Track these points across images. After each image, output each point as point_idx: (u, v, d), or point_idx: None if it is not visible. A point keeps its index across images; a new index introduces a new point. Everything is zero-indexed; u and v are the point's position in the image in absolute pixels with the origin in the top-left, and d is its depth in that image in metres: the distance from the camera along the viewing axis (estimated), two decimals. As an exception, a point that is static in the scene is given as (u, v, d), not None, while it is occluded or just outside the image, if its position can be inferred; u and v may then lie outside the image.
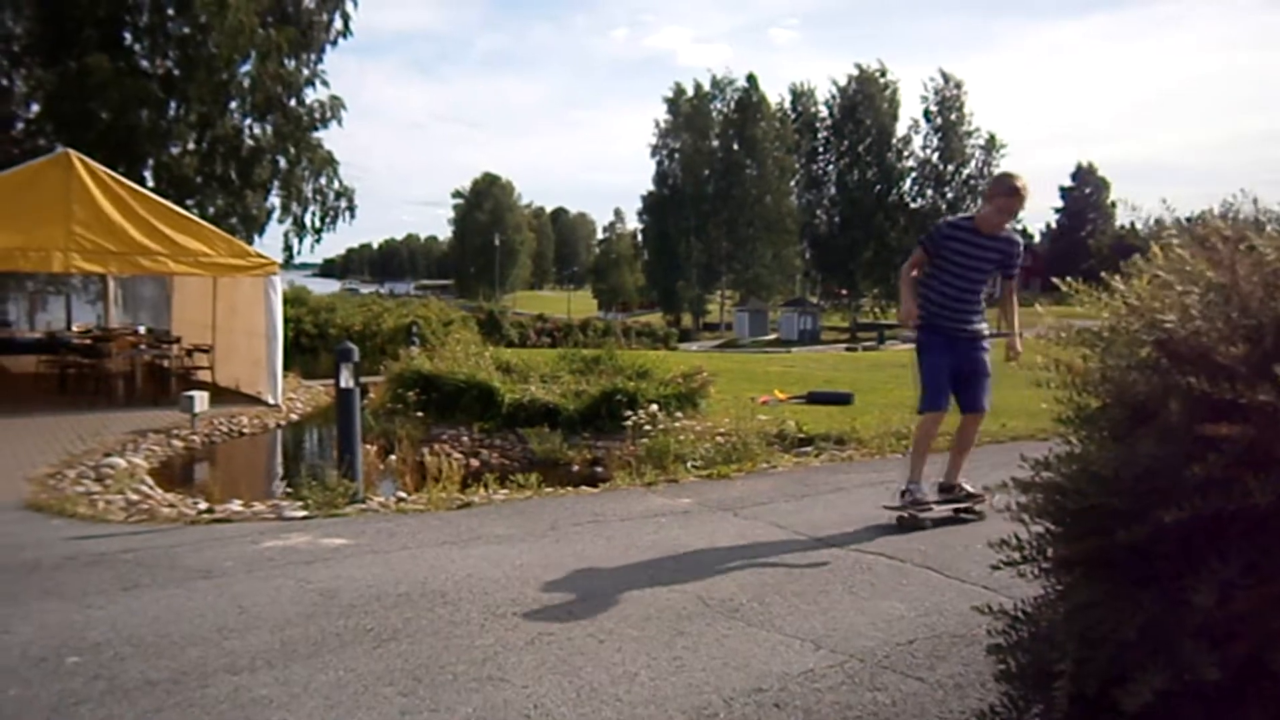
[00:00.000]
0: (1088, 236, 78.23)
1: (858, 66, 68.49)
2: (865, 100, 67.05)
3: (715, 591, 4.58)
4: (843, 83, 68.65)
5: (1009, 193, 5.70)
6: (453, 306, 38.23)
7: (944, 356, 5.82)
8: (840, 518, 6.22)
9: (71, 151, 13.00)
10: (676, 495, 7.17)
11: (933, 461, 6.04)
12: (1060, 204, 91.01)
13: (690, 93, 70.03)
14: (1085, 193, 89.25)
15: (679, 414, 11.23)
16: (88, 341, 16.31)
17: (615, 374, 13.55)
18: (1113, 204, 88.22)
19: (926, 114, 67.51)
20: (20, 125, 26.11)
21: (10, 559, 5.39)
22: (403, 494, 7.73)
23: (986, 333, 5.98)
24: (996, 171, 6.90)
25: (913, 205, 67.72)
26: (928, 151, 67.82)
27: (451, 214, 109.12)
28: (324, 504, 6.68)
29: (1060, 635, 2.16)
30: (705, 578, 4.81)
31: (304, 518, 6.43)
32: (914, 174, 68.32)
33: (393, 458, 9.87)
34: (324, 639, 3.92)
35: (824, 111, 69.92)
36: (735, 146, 68.06)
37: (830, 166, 69.62)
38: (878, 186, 66.67)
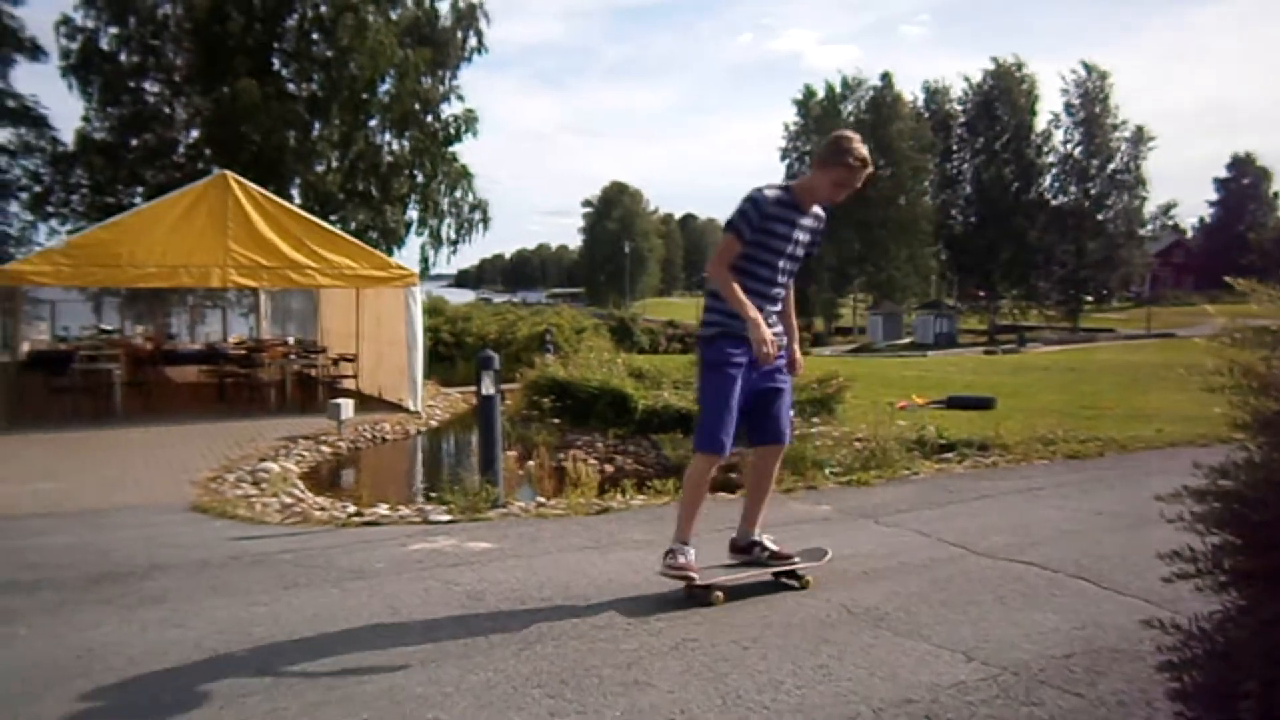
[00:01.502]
0: (1247, 230, 73.90)
1: (994, 60, 66.44)
2: (1002, 95, 64.86)
3: (859, 600, 4.49)
4: (977, 78, 66.76)
5: (857, 165, 4.37)
6: (584, 314, 38.72)
7: (740, 378, 4.45)
8: (987, 525, 6.04)
9: (228, 173, 13.71)
10: (815, 502, 7.08)
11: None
12: (1215, 196, 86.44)
13: (821, 94, 69.28)
14: (1243, 184, 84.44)
15: (815, 419, 11.10)
16: (243, 352, 17.20)
17: (748, 379, 13.46)
18: (1275, 195, 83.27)
19: (1067, 107, 64.91)
20: (181, 150, 27.78)
21: (181, 558, 5.70)
22: (542, 499, 7.86)
23: (785, 340, 4.68)
24: (834, 139, 4.39)
25: (1054, 202, 65.24)
26: (1069, 146, 65.13)
27: (581, 223, 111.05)
28: (467, 508, 6.85)
29: (1244, 653, 2.04)
30: (848, 586, 4.73)
31: (448, 521, 6.60)
32: (1054, 170, 65.80)
33: (531, 463, 10.05)
34: (473, 640, 4.01)
35: (958, 108, 68.05)
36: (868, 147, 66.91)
37: (966, 165, 67.68)
38: (1016, 184, 64.38)
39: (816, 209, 4.58)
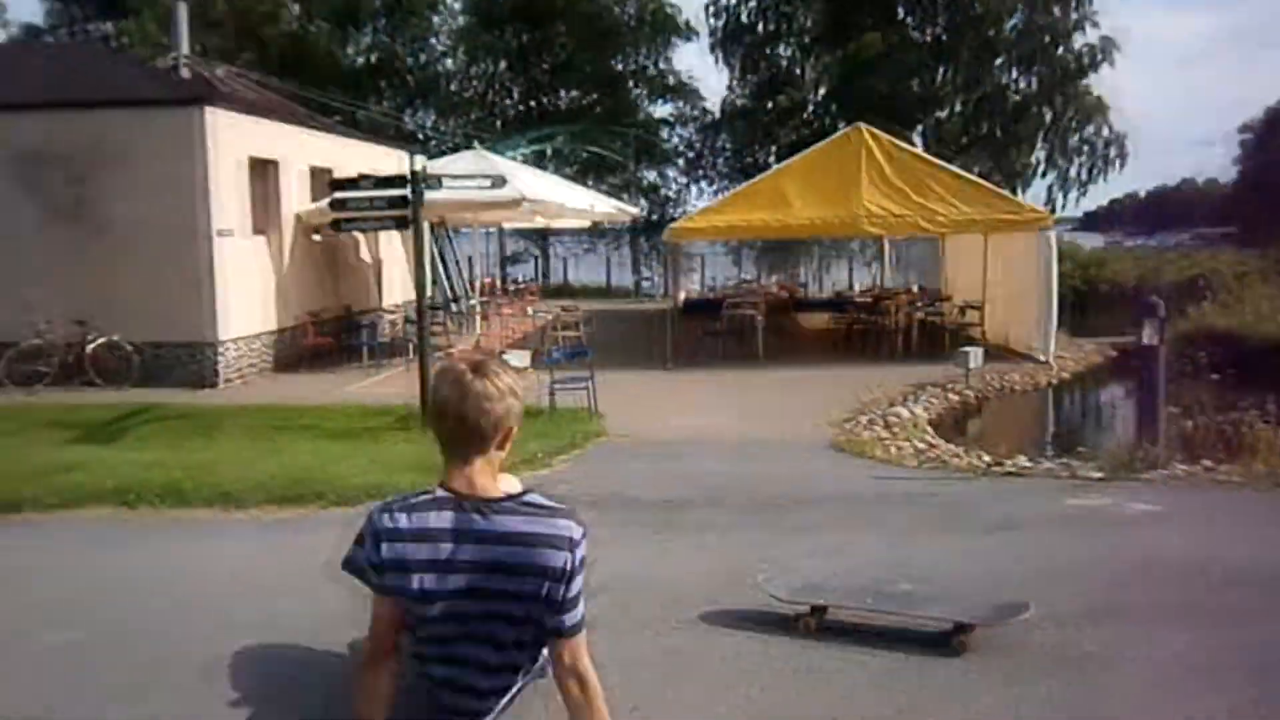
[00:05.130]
0: None
1: None
2: None
3: None
4: None
5: None
6: (1246, 256, 33.74)
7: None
8: None
9: (863, 125, 14.09)
10: None
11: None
12: None
13: None
14: None
15: None
16: (869, 300, 17.73)
17: None
18: None
19: None
20: (810, 109, 29.54)
21: (834, 490, 6.07)
22: (1208, 463, 6.96)
23: None
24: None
25: None
26: None
27: (1236, 151, 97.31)
28: (1120, 467, 6.32)
29: None
30: None
31: (1100, 479, 6.14)
32: None
33: (1188, 423, 8.99)
34: (1152, 606, 3.70)
35: None
36: None
37: None
38: None
39: None
